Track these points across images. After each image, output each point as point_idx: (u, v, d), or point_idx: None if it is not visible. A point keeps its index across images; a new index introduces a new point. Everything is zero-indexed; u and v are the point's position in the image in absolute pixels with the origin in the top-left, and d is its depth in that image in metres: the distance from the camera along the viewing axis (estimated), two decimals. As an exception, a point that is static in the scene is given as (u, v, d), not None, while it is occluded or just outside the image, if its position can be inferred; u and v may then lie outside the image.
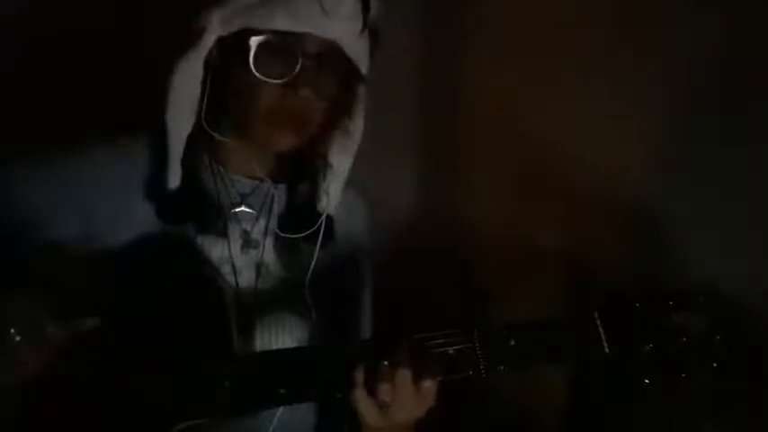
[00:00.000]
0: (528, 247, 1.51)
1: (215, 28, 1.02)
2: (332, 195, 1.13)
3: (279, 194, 1.14)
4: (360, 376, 0.95)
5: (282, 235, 1.12)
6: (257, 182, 1.13)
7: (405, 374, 0.94)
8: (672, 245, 1.40)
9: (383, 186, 1.26)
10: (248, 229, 1.12)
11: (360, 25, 1.03)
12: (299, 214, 1.13)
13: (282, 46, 1.00)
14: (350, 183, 1.14)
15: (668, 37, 1.42)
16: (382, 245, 1.28)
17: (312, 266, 1.11)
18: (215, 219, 1.09)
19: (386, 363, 0.94)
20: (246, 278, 1.10)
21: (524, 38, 1.49)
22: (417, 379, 0.95)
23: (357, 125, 1.11)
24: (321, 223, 1.11)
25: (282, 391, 0.95)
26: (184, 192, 1.05)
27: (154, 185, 1.05)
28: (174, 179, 1.05)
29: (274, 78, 1.01)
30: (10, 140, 1.06)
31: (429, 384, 0.95)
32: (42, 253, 1.00)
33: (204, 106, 1.05)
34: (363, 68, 1.07)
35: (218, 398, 0.94)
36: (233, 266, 1.09)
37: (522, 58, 1.50)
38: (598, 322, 0.98)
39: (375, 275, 1.24)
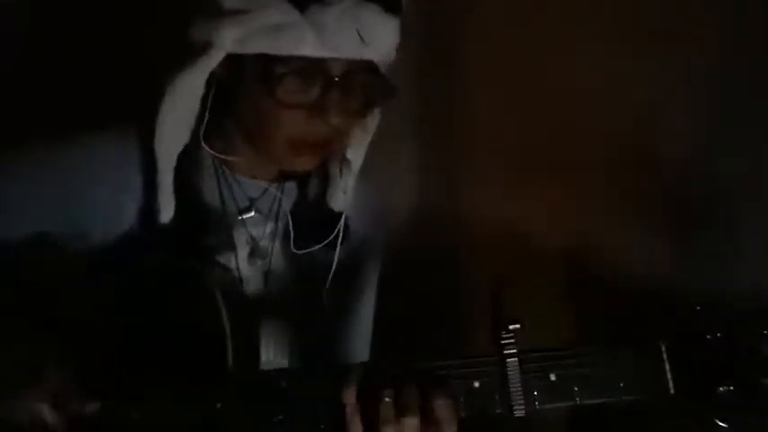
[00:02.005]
0: (530, 248, 1.50)
1: (225, 46, 0.89)
2: (349, 193, 1.03)
3: (287, 194, 1.05)
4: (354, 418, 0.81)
5: (299, 252, 1.03)
6: (266, 183, 1.03)
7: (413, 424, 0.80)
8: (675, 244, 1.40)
9: (383, 185, 1.24)
10: (256, 235, 1.03)
11: (397, 41, 0.93)
12: (314, 217, 1.04)
13: (308, 69, 0.89)
14: (359, 175, 1.05)
15: (668, 37, 1.42)
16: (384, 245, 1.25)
17: (332, 274, 1.03)
18: (218, 231, 0.99)
19: (391, 406, 0.80)
20: (253, 287, 1.02)
21: (524, 37, 1.49)
22: (433, 421, 0.81)
23: (374, 118, 1.02)
24: (340, 229, 1.02)
25: (279, 417, 0.84)
26: (179, 221, 0.95)
27: (144, 220, 0.95)
28: (167, 211, 0.94)
29: (300, 105, 0.90)
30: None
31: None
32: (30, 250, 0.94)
33: (204, 125, 0.95)
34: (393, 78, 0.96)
35: (210, 421, 0.83)
36: (239, 275, 1.01)
37: (522, 57, 1.49)
38: (665, 356, 0.82)
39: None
